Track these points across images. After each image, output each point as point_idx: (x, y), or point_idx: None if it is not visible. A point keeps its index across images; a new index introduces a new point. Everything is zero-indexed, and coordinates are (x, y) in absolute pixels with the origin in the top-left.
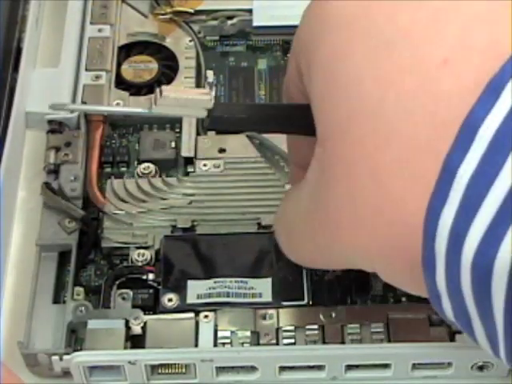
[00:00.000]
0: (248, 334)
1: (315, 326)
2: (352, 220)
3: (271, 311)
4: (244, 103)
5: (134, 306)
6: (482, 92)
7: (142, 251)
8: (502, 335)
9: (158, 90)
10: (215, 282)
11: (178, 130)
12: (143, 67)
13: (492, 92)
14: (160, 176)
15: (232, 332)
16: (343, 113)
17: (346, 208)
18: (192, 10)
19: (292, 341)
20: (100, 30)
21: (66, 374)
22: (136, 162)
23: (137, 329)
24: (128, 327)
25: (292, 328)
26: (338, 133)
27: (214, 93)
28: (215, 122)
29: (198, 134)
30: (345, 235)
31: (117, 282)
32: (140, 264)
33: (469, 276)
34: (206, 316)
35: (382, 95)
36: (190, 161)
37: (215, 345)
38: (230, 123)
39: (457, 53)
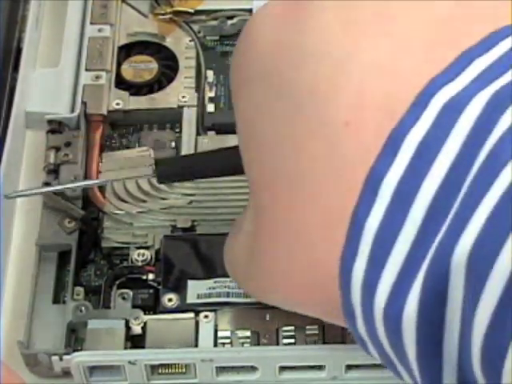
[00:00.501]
0: (248, 333)
1: (315, 326)
2: (279, 274)
3: (271, 311)
4: (185, 155)
5: (134, 306)
6: (381, 149)
7: (142, 251)
8: (419, 380)
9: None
10: (215, 282)
11: (177, 130)
12: (143, 67)
13: (391, 148)
14: None
15: (232, 332)
16: (266, 169)
17: (273, 262)
18: (192, 10)
19: (292, 341)
20: (100, 30)
21: (66, 373)
22: None
23: (137, 329)
24: (128, 327)
25: (292, 328)
26: (262, 186)
27: (152, 153)
28: (163, 176)
29: (198, 134)
30: (277, 287)
31: (117, 282)
32: (140, 264)
33: (382, 326)
34: (206, 316)
35: (297, 159)
36: None
37: (215, 345)
38: (178, 175)
39: (355, 113)
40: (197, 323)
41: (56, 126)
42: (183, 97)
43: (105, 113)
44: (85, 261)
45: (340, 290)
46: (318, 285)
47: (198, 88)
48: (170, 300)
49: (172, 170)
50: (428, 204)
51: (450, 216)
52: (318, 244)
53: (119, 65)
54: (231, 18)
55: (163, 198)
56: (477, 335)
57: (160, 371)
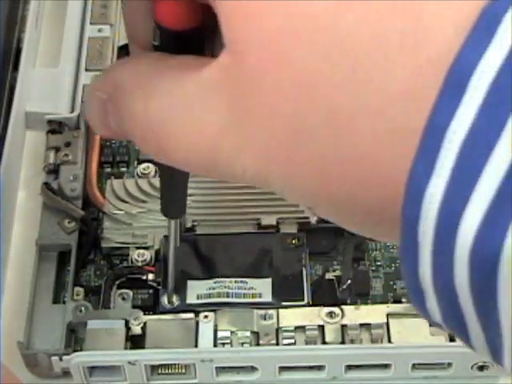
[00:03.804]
0: (248, 334)
1: (315, 326)
2: (288, 148)
3: (271, 311)
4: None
5: (133, 306)
6: (472, 29)
7: (141, 251)
8: (510, 340)
9: None
10: (215, 282)
11: None
12: None
13: (485, 28)
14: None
15: (232, 332)
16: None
17: (281, 131)
18: None
19: (292, 341)
20: (100, 30)
21: (66, 374)
22: (136, 162)
23: (137, 329)
24: (128, 327)
25: (292, 328)
26: (264, 46)
27: None
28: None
29: None
30: (277, 164)
31: (117, 282)
32: (140, 264)
33: (466, 268)
34: (205, 316)
35: (341, 13)
36: None
37: (215, 345)
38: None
39: None
40: (197, 323)
41: (56, 126)
42: None
43: None
44: (85, 261)
45: (403, 216)
46: (368, 195)
47: None
48: (169, 300)
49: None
50: None
51: None
52: (363, 134)
53: None
54: None
55: None
56: None
57: (160, 371)
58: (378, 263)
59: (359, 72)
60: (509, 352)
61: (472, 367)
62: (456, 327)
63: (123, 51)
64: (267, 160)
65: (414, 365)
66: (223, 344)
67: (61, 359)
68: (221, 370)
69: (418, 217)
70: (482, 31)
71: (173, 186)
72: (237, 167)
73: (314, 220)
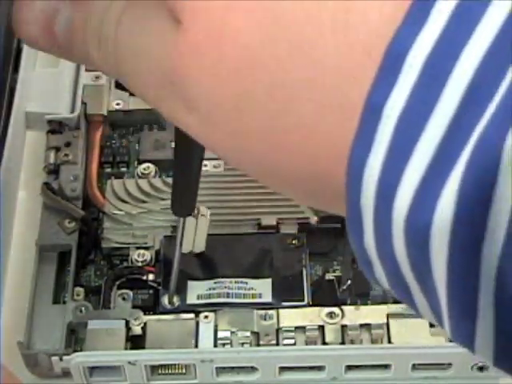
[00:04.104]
0: (248, 334)
1: (315, 327)
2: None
3: (271, 311)
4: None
5: (134, 307)
6: (407, 11)
7: (142, 251)
8: (446, 306)
9: None
10: (215, 283)
11: None
12: None
13: (420, 9)
14: (160, 176)
15: (232, 332)
16: None
17: (225, 102)
18: None
19: (292, 341)
20: None
21: (66, 374)
22: (136, 163)
23: (137, 329)
24: (128, 327)
25: (292, 328)
26: (210, 22)
27: None
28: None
29: None
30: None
31: (117, 283)
32: (140, 264)
33: (402, 237)
34: (206, 316)
35: None
36: None
37: (215, 345)
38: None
39: None
40: (197, 324)
41: (56, 126)
42: None
43: (105, 113)
44: (85, 261)
45: (347, 192)
46: (312, 170)
47: None
48: (170, 300)
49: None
50: (469, 78)
51: (499, 97)
52: (310, 112)
53: None
54: None
55: (163, 199)
56: None
57: (160, 372)
58: None
59: (297, 47)
60: (446, 318)
61: (472, 368)
62: (403, 295)
63: None
64: (213, 128)
65: (413, 365)
66: (223, 344)
67: (61, 359)
68: (221, 370)
69: (360, 190)
70: (418, 11)
71: (185, 183)
72: (183, 125)
73: (314, 221)
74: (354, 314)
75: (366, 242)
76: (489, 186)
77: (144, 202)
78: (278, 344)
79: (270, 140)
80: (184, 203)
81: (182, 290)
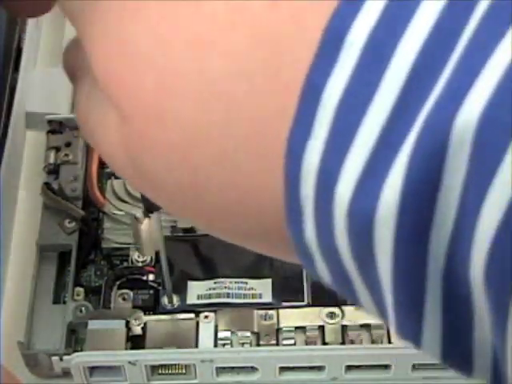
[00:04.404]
0: (248, 334)
1: (315, 327)
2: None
3: (271, 312)
4: None
5: (134, 307)
6: None
7: None
8: (391, 300)
9: None
10: (215, 283)
11: None
12: None
13: None
14: None
15: (232, 332)
16: None
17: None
18: None
19: (292, 341)
20: None
21: (66, 374)
22: None
23: (137, 329)
24: (128, 327)
25: (292, 328)
26: (145, 109)
27: None
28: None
29: None
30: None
31: (117, 283)
32: (140, 264)
33: (344, 228)
34: (206, 316)
35: (204, 63)
36: None
37: (215, 345)
38: None
39: None
40: (197, 324)
41: (56, 126)
42: None
43: None
44: (85, 261)
45: (285, 181)
46: (249, 183)
47: None
48: (170, 300)
49: None
50: (414, 56)
51: (445, 76)
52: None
53: None
54: None
55: None
56: (482, 236)
57: (160, 372)
58: None
59: (230, 110)
60: (392, 314)
61: None
62: (345, 290)
63: None
64: (175, 206)
65: (413, 365)
66: (223, 344)
67: (61, 359)
68: (221, 370)
69: (299, 179)
70: None
71: None
72: (149, 196)
73: None
74: (354, 314)
75: (307, 235)
76: (436, 170)
77: None
78: (277, 344)
79: (231, 213)
80: None
81: (182, 290)
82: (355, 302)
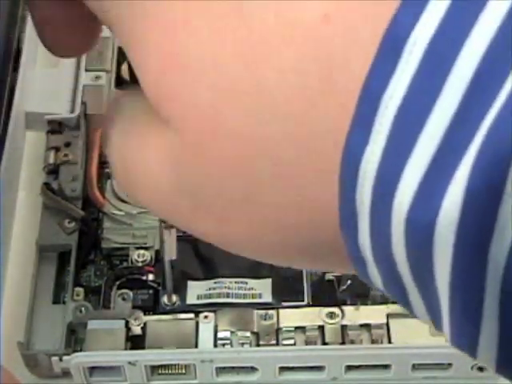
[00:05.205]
0: (248, 334)
1: (315, 327)
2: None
3: (271, 311)
4: None
5: (134, 307)
6: None
7: (141, 252)
8: (447, 309)
9: None
10: (215, 283)
11: None
12: None
13: None
14: None
15: (232, 332)
16: None
17: (233, 198)
18: None
19: (292, 341)
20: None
21: (66, 374)
22: None
23: (137, 329)
24: (128, 328)
25: (292, 328)
26: (200, 121)
27: None
28: None
29: None
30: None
31: (117, 283)
32: (140, 264)
33: (402, 236)
34: (205, 316)
35: (260, 76)
36: None
37: (215, 345)
38: None
39: None
40: (197, 324)
41: (56, 126)
42: None
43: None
44: (85, 261)
45: (340, 187)
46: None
47: None
48: (169, 300)
49: None
50: (475, 65)
51: (509, 85)
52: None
53: (119, 65)
54: None
55: None
56: None
57: (160, 372)
58: None
59: (286, 124)
60: (446, 322)
61: (472, 368)
62: (398, 296)
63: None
64: (228, 225)
65: (414, 365)
66: (223, 344)
67: (61, 359)
68: (221, 370)
69: (355, 185)
70: None
71: None
72: (194, 229)
73: None
74: (354, 314)
75: (361, 240)
76: (499, 181)
77: None
78: (278, 344)
79: (284, 224)
80: None
81: (181, 290)
82: (407, 308)
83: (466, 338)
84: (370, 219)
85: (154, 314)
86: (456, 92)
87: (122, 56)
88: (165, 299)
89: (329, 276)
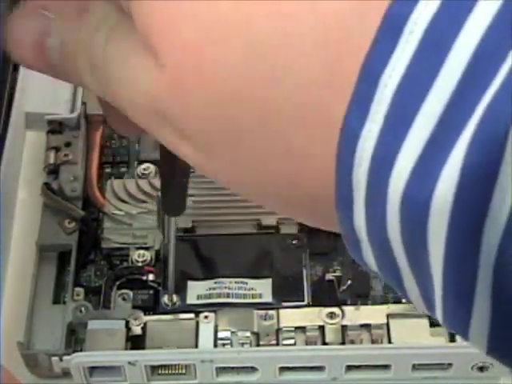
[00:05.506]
0: (248, 334)
1: (315, 327)
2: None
3: (271, 312)
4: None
5: (134, 307)
6: None
7: (142, 252)
8: (441, 291)
9: None
10: (215, 283)
11: None
12: None
13: None
14: None
15: (232, 332)
16: None
17: (217, 137)
18: None
19: (292, 341)
20: None
21: (66, 374)
22: (136, 163)
23: (137, 329)
24: (128, 328)
25: (292, 328)
26: (187, 59)
27: None
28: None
29: None
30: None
31: (117, 283)
32: (140, 264)
33: (397, 214)
34: (206, 316)
35: (249, 18)
36: None
37: (215, 345)
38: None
39: None
40: (197, 324)
41: (56, 126)
42: None
43: None
44: (85, 261)
45: (337, 165)
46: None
47: None
48: (170, 300)
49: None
50: (475, 45)
51: (507, 66)
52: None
53: None
54: None
55: None
56: None
57: (160, 372)
58: None
59: (278, 69)
60: (439, 303)
61: (472, 368)
62: (391, 278)
63: None
64: (207, 157)
65: (414, 365)
66: (223, 344)
67: (61, 359)
68: (221, 370)
69: (352, 164)
70: None
71: (173, 183)
72: (179, 153)
73: None
74: (354, 314)
75: (356, 221)
76: (495, 161)
77: (144, 202)
78: (278, 344)
79: (266, 168)
80: (174, 202)
81: (181, 290)
82: (401, 292)
83: (459, 319)
84: (366, 199)
85: (154, 314)
86: (455, 71)
87: None
88: (165, 299)
89: (329, 276)
